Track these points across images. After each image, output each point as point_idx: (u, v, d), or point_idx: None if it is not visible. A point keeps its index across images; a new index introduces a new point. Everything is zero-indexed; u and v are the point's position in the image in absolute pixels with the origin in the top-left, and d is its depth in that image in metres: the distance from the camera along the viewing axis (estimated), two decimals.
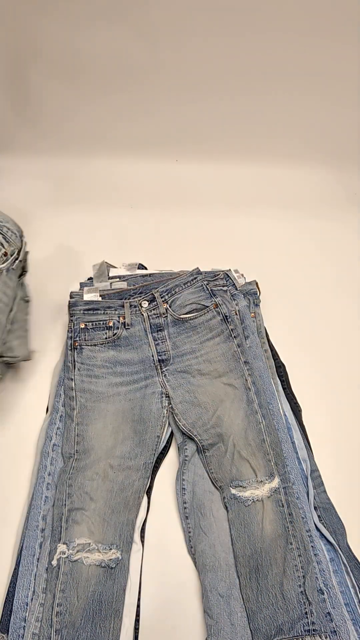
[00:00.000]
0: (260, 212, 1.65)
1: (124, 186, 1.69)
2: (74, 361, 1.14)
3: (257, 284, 1.31)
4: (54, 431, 1.08)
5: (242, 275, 1.32)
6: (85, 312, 1.17)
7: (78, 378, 1.12)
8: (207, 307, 1.19)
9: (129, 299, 1.20)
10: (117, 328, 1.16)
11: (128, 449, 1.06)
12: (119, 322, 1.17)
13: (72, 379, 1.12)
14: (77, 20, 1.41)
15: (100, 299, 1.21)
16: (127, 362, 1.15)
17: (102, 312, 1.17)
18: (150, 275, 1.31)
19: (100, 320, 1.17)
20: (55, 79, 1.55)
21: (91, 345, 1.15)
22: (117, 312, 1.17)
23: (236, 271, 1.31)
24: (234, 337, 1.16)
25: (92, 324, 1.17)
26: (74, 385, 1.11)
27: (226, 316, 1.17)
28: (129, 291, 1.22)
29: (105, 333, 1.16)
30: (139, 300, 1.18)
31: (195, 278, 1.21)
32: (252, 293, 1.29)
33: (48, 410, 1.14)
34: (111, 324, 1.16)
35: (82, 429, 1.07)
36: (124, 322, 1.17)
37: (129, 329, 1.17)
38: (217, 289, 1.23)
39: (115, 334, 1.16)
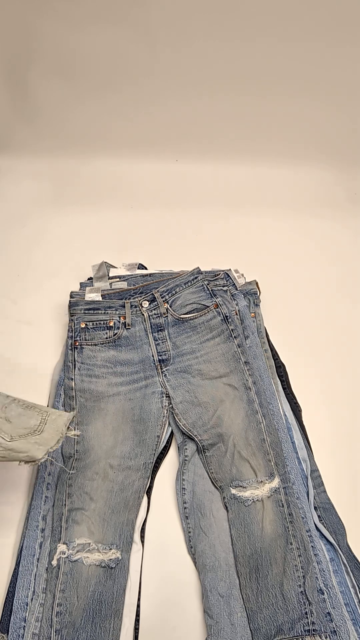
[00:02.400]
0: (260, 212, 1.65)
1: (124, 186, 1.69)
2: (74, 361, 1.14)
3: (257, 284, 1.31)
4: None
5: (242, 275, 1.32)
6: (86, 311, 1.17)
7: (78, 378, 1.12)
8: (208, 307, 1.19)
9: (129, 299, 1.20)
10: (118, 328, 1.17)
11: (128, 449, 1.06)
12: (119, 322, 1.17)
13: (72, 379, 1.12)
14: (77, 20, 1.41)
15: (101, 298, 1.21)
16: (127, 362, 1.15)
17: (103, 311, 1.17)
18: (150, 275, 1.31)
19: (101, 320, 1.17)
20: (55, 79, 1.55)
21: (91, 344, 1.16)
22: (117, 312, 1.17)
23: (236, 271, 1.31)
24: (234, 337, 1.16)
25: (93, 324, 1.17)
26: (73, 385, 1.11)
27: (226, 316, 1.17)
28: (129, 291, 1.22)
29: (106, 333, 1.16)
30: (140, 300, 1.18)
31: (195, 278, 1.21)
32: (252, 293, 1.29)
33: None
34: (112, 324, 1.17)
35: (82, 428, 1.07)
36: (125, 322, 1.17)
37: (129, 328, 1.17)
38: (217, 289, 1.23)
39: (116, 333, 1.16)
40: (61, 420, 0.89)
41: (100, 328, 1.17)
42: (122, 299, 1.20)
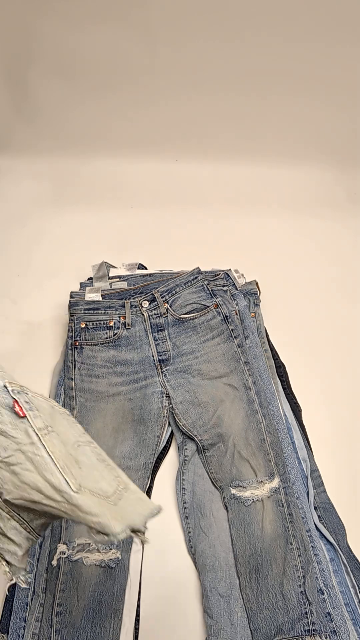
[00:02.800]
0: (260, 212, 1.65)
1: (124, 186, 1.69)
2: (74, 361, 1.14)
3: (257, 284, 1.31)
4: None
5: (242, 275, 1.32)
6: (86, 311, 1.17)
7: (78, 378, 1.12)
8: (208, 307, 1.19)
9: (129, 299, 1.20)
10: (118, 328, 1.17)
11: (128, 449, 1.06)
12: (119, 322, 1.17)
13: (72, 379, 1.12)
14: (77, 20, 1.41)
15: (101, 298, 1.21)
16: (127, 361, 1.15)
17: (103, 311, 1.17)
18: (150, 275, 1.31)
19: (101, 320, 1.17)
20: (55, 79, 1.55)
21: (92, 344, 1.16)
22: (117, 312, 1.17)
23: (236, 271, 1.31)
24: (234, 337, 1.16)
25: (93, 324, 1.17)
26: (73, 385, 1.11)
27: (226, 316, 1.17)
28: (129, 291, 1.22)
29: (106, 333, 1.16)
30: (140, 300, 1.18)
31: (195, 278, 1.21)
32: (252, 293, 1.29)
33: None
34: (112, 324, 1.17)
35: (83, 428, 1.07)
36: (125, 322, 1.17)
37: (129, 328, 1.17)
38: (217, 289, 1.23)
39: (116, 333, 1.16)
40: (141, 508, 0.60)
41: (100, 328, 1.17)
42: (122, 299, 1.20)
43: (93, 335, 1.16)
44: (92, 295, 1.21)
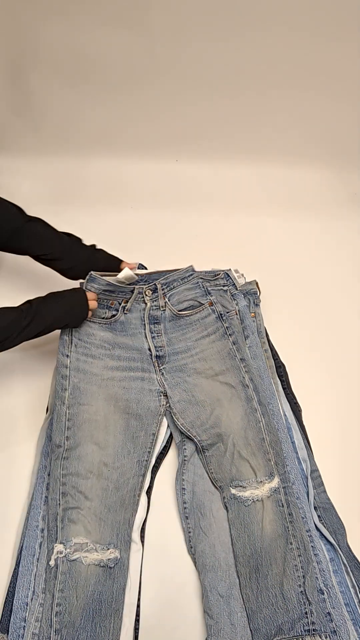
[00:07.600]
0: (260, 212, 1.65)
1: (124, 186, 1.69)
2: (71, 336, 1.11)
3: (257, 284, 1.31)
4: None
5: (242, 275, 1.32)
6: (103, 292, 1.15)
7: (74, 356, 1.10)
8: (203, 304, 1.19)
9: (136, 284, 1.18)
10: (117, 310, 1.16)
11: (120, 444, 1.05)
12: (119, 304, 1.16)
13: (67, 356, 1.09)
14: (77, 23, 1.41)
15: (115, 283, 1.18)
16: (123, 345, 1.14)
17: (116, 294, 1.16)
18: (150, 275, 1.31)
19: (106, 298, 1.16)
20: (57, 80, 1.55)
21: (90, 320, 1.14)
22: (125, 296, 1.16)
23: (236, 271, 1.31)
24: (229, 334, 1.16)
25: (99, 300, 1.15)
26: (68, 363, 1.09)
27: (221, 314, 1.17)
28: (137, 280, 1.21)
29: (105, 312, 1.16)
30: (145, 289, 1.17)
31: (191, 275, 1.21)
32: (252, 293, 1.29)
33: (48, 410, 1.14)
34: (113, 305, 1.16)
35: (73, 412, 1.04)
36: (125, 306, 1.16)
37: (127, 314, 1.16)
38: (215, 289, 1.23)
39: (114, 315, 1.15)
40: None
41: (101, 306, 1.16)
42: (132, 285, 1.18)
43: (94, 311, 1.14)
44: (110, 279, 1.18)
